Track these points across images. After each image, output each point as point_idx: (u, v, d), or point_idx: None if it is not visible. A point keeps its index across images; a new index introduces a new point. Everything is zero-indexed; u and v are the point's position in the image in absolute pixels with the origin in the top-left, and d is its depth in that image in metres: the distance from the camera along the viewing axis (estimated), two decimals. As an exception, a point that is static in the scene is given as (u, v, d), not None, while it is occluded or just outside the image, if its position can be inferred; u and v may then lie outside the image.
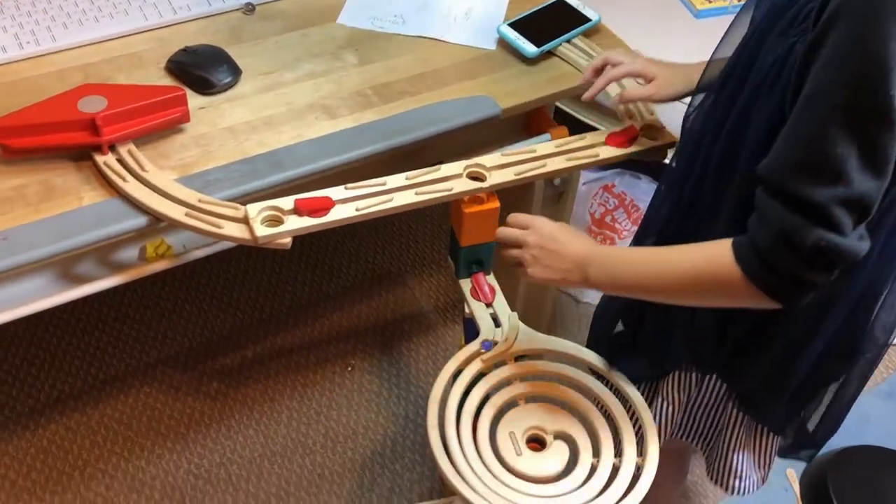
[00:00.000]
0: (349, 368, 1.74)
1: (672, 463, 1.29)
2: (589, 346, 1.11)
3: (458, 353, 1.07)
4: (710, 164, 0.92)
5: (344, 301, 1.86)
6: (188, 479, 1.55)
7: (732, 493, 1.13)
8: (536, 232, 0.96)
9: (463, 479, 0.96)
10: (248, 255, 1.93)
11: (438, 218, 2.00)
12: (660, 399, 1.09)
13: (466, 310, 1.15)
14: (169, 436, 1.61)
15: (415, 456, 1.61)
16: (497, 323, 1.11)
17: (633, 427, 1.03)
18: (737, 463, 1.09)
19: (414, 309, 1.86)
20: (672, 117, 1.17)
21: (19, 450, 1.57)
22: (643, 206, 1.96)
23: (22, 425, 1.61)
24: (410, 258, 1.96)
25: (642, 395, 1.07)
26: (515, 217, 1.00)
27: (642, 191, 1.99)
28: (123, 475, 1.55)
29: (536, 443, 1.03)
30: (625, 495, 0.96)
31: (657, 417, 1.09)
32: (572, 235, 0.96)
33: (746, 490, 1.12)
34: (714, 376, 1.04)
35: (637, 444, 1.02)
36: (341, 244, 1.97)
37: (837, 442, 1.61)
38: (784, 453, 1.13)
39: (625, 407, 1.04)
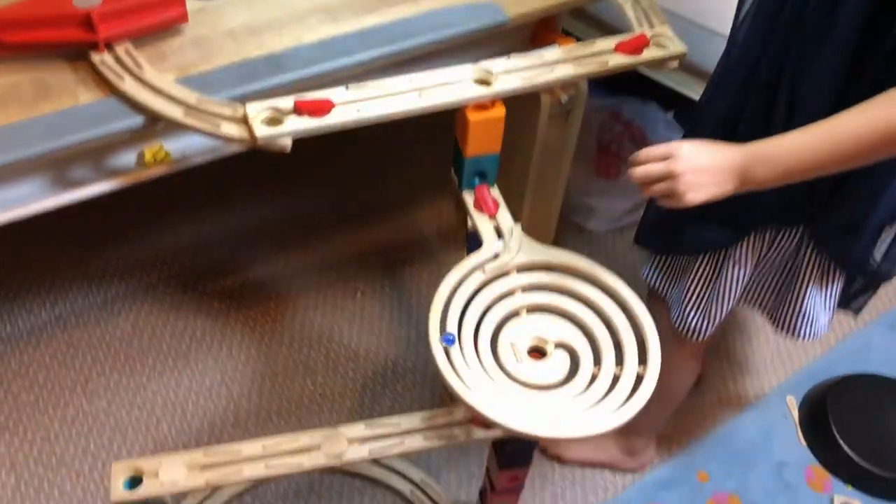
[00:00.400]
0: (358, 294, 1.73)
1: (690, 355, 1.31)
2: (641, 229, 1.16)
3: (460, 263, 1.06)
4: (785, 72, 0.91)
5: (346, 226, 1.85)
6: (189, 395, 1.56)
7: (804, 338, 1.18)
8: (680, 158, 0.91)
9: (465, 384, 0.96)
10: (252, 179, 1.91)
11: (442, 144, 1.97)
12: (731, 264, 1.10)
13: (469, 223, 1.13)
14: (170, 353, 1.62)
15: (416, 377, 1.61)
16: (500, 235, 1.10)
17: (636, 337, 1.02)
18: (807, 308, 1.14)
19: (417, 236, 1.84)
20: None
21: (22, 365, 1.58)
22: (651, 134, 1.93)
23: (24, 341, 1.61)
24: (415, 186, 1.94)
25: (704, 268, 1.10)
26: (647, 152, 0.94)
27: (650, 118, 1.96)
28: (125, 391, 1.56)
29: (537, 353, 1.03)
30: (625, 403, 0.96)
31: (728, 285, 1.12)
32: (714, 147, 0.92)
33: (816, 334, 1.17)
34: (792, 228, 1.06)
35: (639, 354, 1.01)
36: (345, 170, 1.95)
37: (838, 371, 1.63)
38: (844, 302, 1.18)
39: (627, 317, 1.03)
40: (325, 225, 1.85)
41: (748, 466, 1.52)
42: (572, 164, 1.60)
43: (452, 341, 0.95)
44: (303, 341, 1.65)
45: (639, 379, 0.98)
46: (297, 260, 1.78)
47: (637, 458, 1.49)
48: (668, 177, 0.92)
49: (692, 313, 1.19)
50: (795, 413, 1.60)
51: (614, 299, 1.05)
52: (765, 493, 1.49)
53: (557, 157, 1.51)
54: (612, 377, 1.00)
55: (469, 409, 0.94)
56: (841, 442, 1.50)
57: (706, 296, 1.17)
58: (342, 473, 1.47)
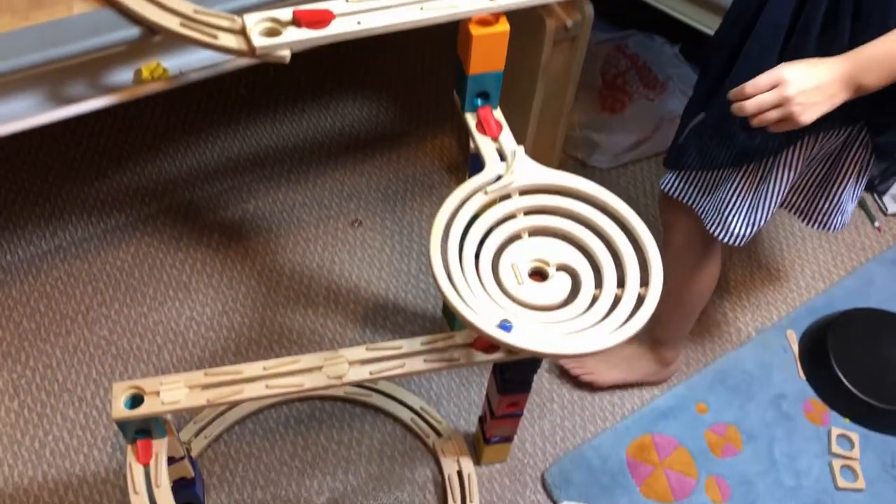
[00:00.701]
0: (356, 224, 1.72)
1: (712, 262, 1.32)
2: (675, 152, 1.20)
3: (462, 185, 1.05)
4: None
5: (348, 159, 1.83)
6: (190, 325, 1.56)
7: (836, 229, 1.26)
8: (788, 83, 0.94)
9: (467, 305, 0.95)
10: (252, 110, 1.89)
11: (446, 76, 1.95)
12: (780, 168, 1.13)
13: (472, 145, 1.12)
14: (171, 284, 1.61)
15: (416, 309, 1.61)
16: (503, 158, 1.09)
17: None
18: (842, 200, 1.22)
19: (419, 169, 1.83)
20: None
21: (22, 293, 1.58)
22: (656, 68, 1.90)
23: (24, 270, 1.61)
24: (417, 118, 1.92)
25: (749, 176, 1.14)
26: (755, 83, 0.96)
27: (655, 52, 1.92)
28: (126, 320, 1.56)
29: (539, 276, 1.03)
30: (626, 322, 0.96)
31: (775, 189, 1.16)
32: (818, 64, 0.96)
33: (845, 224, 1.26)
34: (847, 126, 1.09)
35: (641, 276, 1.00)
36: (347, 102, 1.92)
37: (839, 307, 1.62)
38: (870, 187, 1.24)
39: (630, 240, 1.03)
40: (327, 157, 1.83)
41: (747, 398, 1.53)
42: (576, 97, 1.57)
43: (510, 329, 0.94)
44: (303, 273, 1.65)
45: (640, 300, 0.98)
46: (298, 192, 1.77)
47: (669, 368, 1.52)
48: (781, 103, 0.95)
49: (735, 220, 1.19)
50: (795, 347, 1.60)
51: (617, 222, 1.04)
52: (763, 424, 1.50)
53: (562, 86, 1.48)
54: (613, 298, 0.99)
55: (471, 327, 0.94)
56: (840, 375, 1.50)
57: (750, 202, 1.18)
58: (343, 401, 1.48)
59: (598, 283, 1.01)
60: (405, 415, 1.47)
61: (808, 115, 0.95)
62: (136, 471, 1.08)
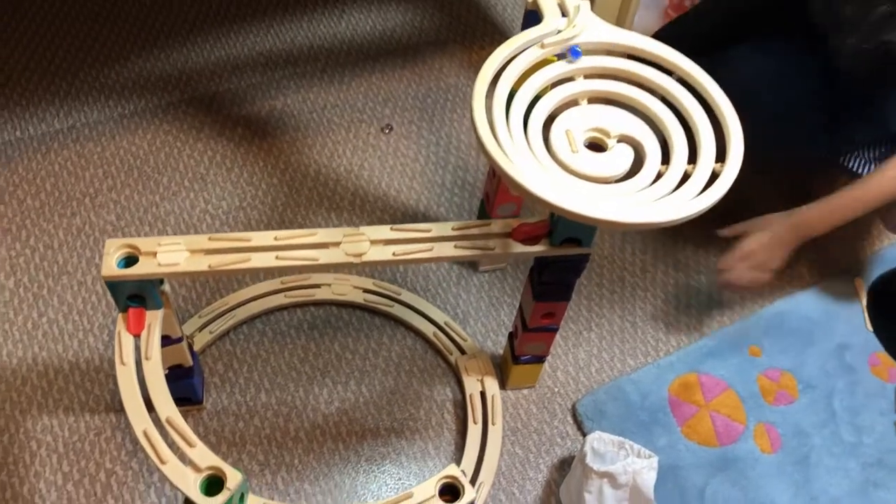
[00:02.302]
0: (387, 129, 1.59)
1: None
2: None
3: (514, 37, 0.91)
4: None
5: (386, 64, 1.70)
6: (204, 217, 1.45)
7: None
8: (750, 254, 1.26)
9: (510, 160, 0.82)
10: (287, 5, 1.76)
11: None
12: None
13: (528, -1, 0.98)
14: (187, 175, 1.50)
15: (448, 218, 1.48)
16: (564, 14, 0.95)
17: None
18: None
19: (461, 80, 1.69)
20: None
21: (29, 171, 1.47)
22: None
23: (33, 148, 1.51)
24: (464, 28, 1.78)
25: None
26: (726, 261, 1.27)
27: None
28: (136, 207, 1.45)
29: (596, 149, 0.89)
30: (696, 197, 0.82)
31: None
32: (768, 234, 1.25)
33: None
34: None
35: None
36: (391, 5, 1.79)
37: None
38: None
39: (707, 113, 0.88)
40: (364, 60, 1.70)
41: (806, 345, 1.38)
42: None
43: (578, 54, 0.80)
44: (329, 175, 1.52)
45: (714, 176, 0.84)
46: (330, 93, 1.64)
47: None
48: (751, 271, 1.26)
49: None
50: (864, 296, 1.44)
51: (693, 92, 0.90)
52: (823, 374, 1.35)
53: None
54: (682, 174, 0.85)
55: (515, 186, 0.80)
56: (913, 328, 1.35)
57: None
58: (362, 309, 1.36)
59: (665, 160, 0.87)
60: (428, 329, 1.34)
61: (770, 273, 1.27)
62: (126, 340, 0.97)
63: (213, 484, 0.88)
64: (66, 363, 1.27)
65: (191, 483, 0.87)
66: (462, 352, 1.31)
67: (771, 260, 1.26)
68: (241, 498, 0.90)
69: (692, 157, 0.86)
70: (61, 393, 1.24)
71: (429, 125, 1.61)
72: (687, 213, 0.79)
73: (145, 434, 0.90)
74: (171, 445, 0.89)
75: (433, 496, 0.91)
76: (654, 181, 0.85)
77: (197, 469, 0.88)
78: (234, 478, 0.87)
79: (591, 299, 1.42)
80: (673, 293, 1.44)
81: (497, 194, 1.25)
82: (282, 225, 1.45)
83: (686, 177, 0.84)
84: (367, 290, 1.36)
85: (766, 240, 1.25)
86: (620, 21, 1.43)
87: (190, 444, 0.90)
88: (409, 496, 0.91)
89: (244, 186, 1.49)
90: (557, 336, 1.36)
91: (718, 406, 1.30)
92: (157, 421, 0.91)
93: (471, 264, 1.43)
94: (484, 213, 1.34)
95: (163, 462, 0.89)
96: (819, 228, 1.24)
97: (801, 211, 1.25)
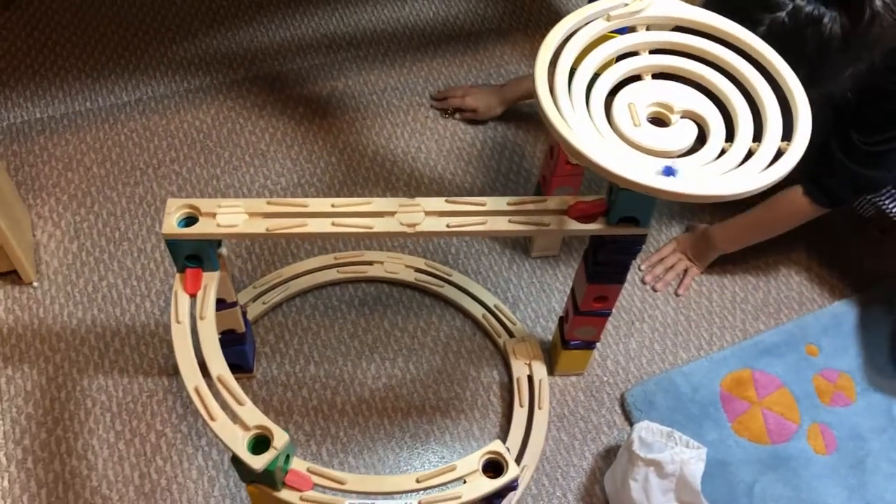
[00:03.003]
0: (449, 114, 1.59)
1: None
2: None
3: (580, 9, 0.90)
4: None
5: (448, 50, 1.71)
6: (263, 192, 1.47)
7: None
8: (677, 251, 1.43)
9: (573, 131, 0.81)
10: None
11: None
12: None
13: (594, -26, 0.97)
14: (248, 150, 1.52)
15: (503, 206, 1.48)
16: (631, -10, 0.93)
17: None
18: None
19: (523, 69, 1.68)
20: None
21: (97, 140, 1.52)
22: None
23: (101, 118, 1.55)
24: (527, 18, 1.78)
25: None
26: (654, 262, 1.43)
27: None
28: (197, 179, 1.48)
29: (659, 124, 0.87)
30: (762, 171, 0.80)
31: None
32: (692, 238, 1.43)
33: None
34: None
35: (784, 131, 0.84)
36: (452, -6, 1.80)
37: None
38: None
39: (775, 91, 0.86)
40: (426, 45, 1.71)
41: (867, 347, 1.34)
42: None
43: (671, 172, 0.79)
44: (386, 157, 1.53)
45: (779, 154, 0.82)
46: (391, 76, 1.65)
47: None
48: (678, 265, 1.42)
49: None
50: (929, 301, 1.39)
51: (762, 72, 0.88)
52: (883, 377, 1.31)
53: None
54: (745, 152, 0.83)
55: (576, 154, 0.79)
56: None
57: None
58: (413, 288, 1.36)
59: (730, 137, 0.85)
60: (477, 311, 1.33)
61: (700, 268, 1.43)
62: (182, 300, 0.99)
63: (260, 443, 0.89)
64: (122, 326, 1.30)
65: (239, 440, 0.88)
66: (511, 335, 1.31)
67: (679, 263, 1.42)
68: (287, 459, 0.91)
69: (757, 136, 0.84)
70: (117, 355, 1.27)
71: (536, 105, 1.61)
72: (753, 186, 0.77)
73: (196, 390, 0.91)
74: (222, 406, 0.91)
75: (476, 470, 0.90)
76: (718, 157, 0.83)
77: (245, 427, 0.89)
78: (280, 438, 0.88)
79: (646, 290, 1.40)
80: (730, 289, 1.41)
81: (554, 176, 1.25)
82: (337, 202, 1.46)
83: (750, 154, 0.82)
84: (418, 270, 1.36)
85: (692, 244, 1.42)
86: None
87: (239, 403, 0.91)
88: (453, 468, 0.90)
89: (303, 164, 1.51)
90: (609, 325, 1.35)
91: (771, 404, 1.27)
92: (208, 382, 0.92)
93: (523, 249, 1.43)
94: (540, 195, 1.33)
95: (213, 419, 0.90)
96: (721, 246, 1.38)
97: (708, 228, 1.40)
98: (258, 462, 0.86)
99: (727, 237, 1.37)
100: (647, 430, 1.14)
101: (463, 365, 1.29)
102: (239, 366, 1.23)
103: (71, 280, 1.34)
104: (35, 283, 1.33)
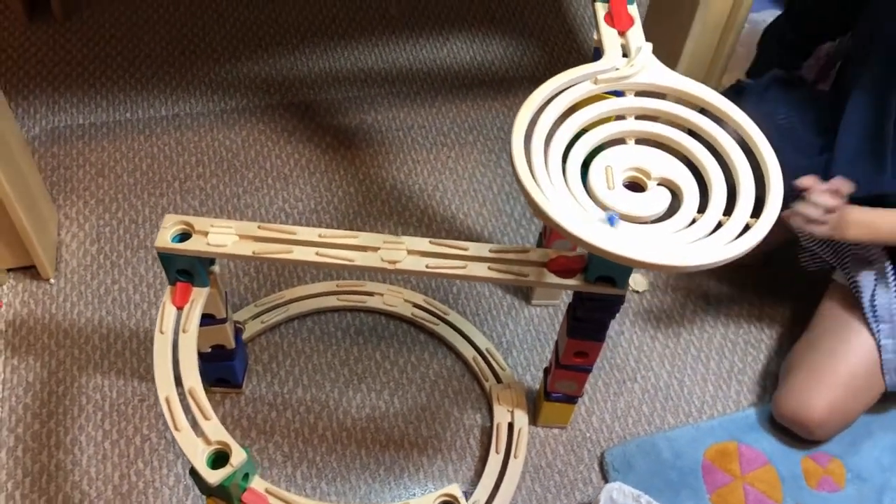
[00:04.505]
0: (470, 159, 1.62)
1: None
2: None
3: (569, 70, 0.93)
4: None
5: (479, 94, 1.74)
6: (279, 215, 1.52)
7: None
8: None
9: (546, 198, 0.83)
10: (395, 27, 1.84)
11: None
12: None
13: (595, 36, 0.99)
14: (272, 173, 1.57)
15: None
16: (625, 55, 0.95)
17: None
18: None
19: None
20: None
21: (131, 150, 1.59)
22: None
23: (138, 130, 1.62)
24: (556, 66, 1.80)
25: None
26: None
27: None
28: (219, 196, 1.53)
29: (635, 188, 0.88)
30: (727, 245, 0.80)
31: None
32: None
33: None
34: None
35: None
36: (493, 39, 1.83)
37: None
38: None
39: (752, 166, 0.87)
40: (457, 87, 1.75)
41: (862, 435, 1.30)
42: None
43: (615, 220, 0.81)
44: (403, 192, 1.56)
45: (746, 229, 0.82)
46: (419, 114, 1.69)
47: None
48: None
49: None
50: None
51: (741, 144, 0.89)
52: (877, 467, 1.27)
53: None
54: (714, 224, 0.84)
55: (547, 221, 0.81)
56: None
57: None
58: (409, 323, 1.38)
59: (703, 208, 0.86)
60: (468, 353, 1.35)
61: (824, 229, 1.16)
62: (169, 311, 1.03)
63: (220, 458, 0.92)
64: (127, 330, 1.35)
65: (199, 453, 0.91)
66: (498, 380, 1.31)
67: (831, 219, 1.15)
68: (246, 477, 0.93)
69: (728, 210, 0.84)
70: (117, 357, 1.32)
71: (508, 157, 1.63)
72: (720, 257, 0.78)
73: (167, 400, 0.95)
74: (192, 419, 0.94)
75: (428, 511, 0.91)
76: (688, 226, 0.84)
77: (207, 441, 0.92)
78: (238, 455, 0.90)
79: (642, 350, 1.39)
80: (729, 358, 1.39)
81: (553, 230, 1.26)
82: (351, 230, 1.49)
83: (719, 226, 0.83)
84: (416, 305, 1.39)
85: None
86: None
87: (206, 417, 0.94)
88: (405, 506, 0.92)
89: (322, 191, 1.55)
90: (599, 381, 1.35)
91: (754, 480, 1.25)
92: (182, 394, 0.96)
93: (524, 296, 1.44)
94: (541, 245, 1.34)
95: (177, 429, 0.93)
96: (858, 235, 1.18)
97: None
98: (213, 476, 0.89)
99: (862, 220, 1.17)
100: (618, 492, 1.13)
101: (447, 405, 1.31)
102: (226, 380, 1.27)
103: (86, 280, 1.41)
104: (52, 280, 1.40)
